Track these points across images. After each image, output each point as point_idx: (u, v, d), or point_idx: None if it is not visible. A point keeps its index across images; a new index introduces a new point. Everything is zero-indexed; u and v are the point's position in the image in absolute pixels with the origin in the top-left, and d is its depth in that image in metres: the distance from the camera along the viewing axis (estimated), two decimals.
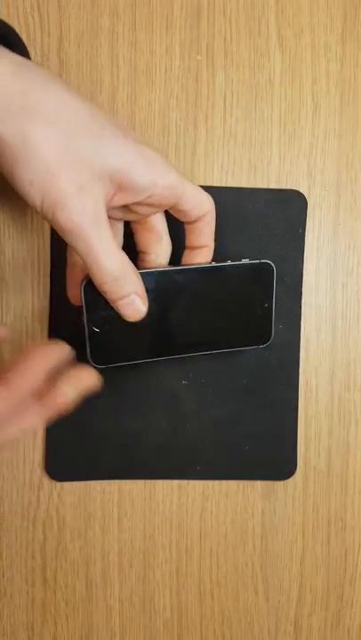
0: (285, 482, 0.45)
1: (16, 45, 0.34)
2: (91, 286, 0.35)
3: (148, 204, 0.35)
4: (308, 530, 0.46)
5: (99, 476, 0.44)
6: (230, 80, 0.44)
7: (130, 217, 0.37)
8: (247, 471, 0.45)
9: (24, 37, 0.42)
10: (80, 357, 0.37)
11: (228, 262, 0.39)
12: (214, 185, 0.44)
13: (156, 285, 0.38)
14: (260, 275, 0.39)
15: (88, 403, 0.44)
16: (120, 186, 0.33)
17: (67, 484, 0.44)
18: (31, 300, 0.44)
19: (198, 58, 0.44)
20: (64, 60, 0.43)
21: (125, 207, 0.36)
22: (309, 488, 0.45)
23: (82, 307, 0.37)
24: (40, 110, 0.30)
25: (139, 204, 0.35)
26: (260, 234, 0.44)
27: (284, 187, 0.44)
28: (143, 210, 0.36)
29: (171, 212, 0.37)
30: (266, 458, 0.45)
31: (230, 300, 0.39)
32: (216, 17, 0.43)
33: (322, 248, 0.45)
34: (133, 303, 0.36)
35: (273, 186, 0.44)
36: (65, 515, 0.44)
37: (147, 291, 0.37)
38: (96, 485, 0.44)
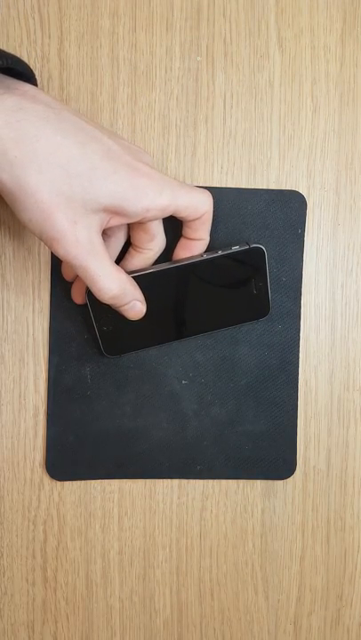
0: (285, 481, 0.45)
1: (24, 74, 0.36)
2: None
3: (146, 221, 0.37)
4: (307, 529, 0.46)
5: (99, 476, 0.44)
6: (230, 81, 0.44)
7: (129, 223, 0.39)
8: (247, 471, 0.45)
9: (24, 38, 0.43)
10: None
11: (220, 253, 0.41)
12: (214, 185, 0.44)
13: (156, 282, 0.40)
14: (252, 259, 0.41)
15: (88, 402, 0.44)
16: (114, 213, 0.36)
17: (67, 484, 0.44)
18: (31, 299, 0.44)
19: (198, 59, 0.44)
20: (64, 60, 0.43)
21: None
22: (309, 487, 0.46)
23: (88, 310, 0.40)
24: (33, 158, 0.32)
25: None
26: (259, 234, 0.44)
27: (283, 187, 0.44)
28: (140, 223, 0.38)
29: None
30: (266, 457, 0.45)
31: (227, 284, 0.42)
32: (216, 18, 0.44)
33: (321, 248, 0.45)
34: (134, 308, 0.39)
35: (273, 186, 0.44)
36: (65, 514, 0.44)
37: (147, 288, 0.39)
38: (96, 485, 0.45)
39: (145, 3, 0.43)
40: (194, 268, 0.40)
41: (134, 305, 0.39)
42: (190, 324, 0.42)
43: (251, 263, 0.41)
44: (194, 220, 0.39)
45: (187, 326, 0.42)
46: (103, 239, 0.36)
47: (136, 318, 0.39)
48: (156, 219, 0.37)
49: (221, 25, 0.44)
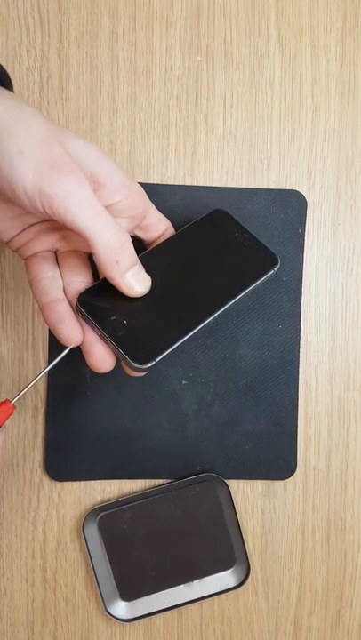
0: (285, 481, 0.45)
1: (3, 82, 0.35)
2: (87, 299, 0.34)
3: (124, 212, 0.35)
4: (307, 529, 0.46)
5: (99, 476, 0.44)
6: (230, 80, 0.44)
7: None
8: (247, 471, 0.45)
9: (24, 37, 0.43)
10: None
11: (189, 224, 0.38)
12: (214, 185, 0.44)
13: (147, 266, 0.35)
14: (220, 221, 0.39)
15: (88, 402, 0.44)
16: (98, 182, 0.33)
17: (67, 484, 0.44)
18: (31, 299, 0.44)
19: (198, 58, 0.44)
20: (64, 59, 0.43)
21: None
22: (309, 488, 0.46)
23: (90, 322, 0.34)
24: (29, 106, 0.31)
25: (115, 215, 0.35)
26: (259, 234, 0.43)
27: (283, 187, 0.44)
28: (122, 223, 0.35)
29: (137, 231, 0.37)
30: (266, 458, 0.45)
31: (215, 250, 0.38)
32: (216, 17, 0.43)
33: (322, 248, 0.45)
34: (141, 272, 0.34)
35: (273, 186, 0.44)
36: (65, 514, 0.44)
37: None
38: (96, 485, 0.44)
39: (145, 2, 0.43)
40: (177, 240, 0.38)
41: (138, 270, 0.34)
42: (205, 302, 0.36)
43: (221, 225, 0.39)
44: (161, 234, 0.38)
45: (203, 306, 0.36)
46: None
47: (144, 289, 0.34)
48: (133, 207, 0.35)
49: (221, 24, 0.44)
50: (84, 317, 0.35)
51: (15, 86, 0.43)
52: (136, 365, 0.34)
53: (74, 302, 0.35)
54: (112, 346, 0.34)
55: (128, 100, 0.43)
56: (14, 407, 0.34)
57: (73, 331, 0.34)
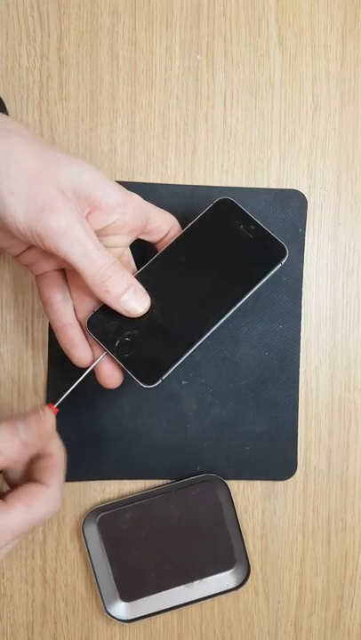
0: (286, 482, 0.45)
1: None
2: (95, 322, 0.36)
3: (122, 229, 0.36)
4: (308, 530, 0.46)
5: (98, 476, 0.44)
6: (230, 80, 0.44)
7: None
8: (247, 471, 0.45)
9: (24, 37, 0.42)
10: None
11: (193, 221, 0.38)
12: (214, 185, 0.44)
13: (152, 278, 0.37)
14: (227, 209, 0.38)
15: (88, 403, 0.44)
16: (93, 204, 0.34)
17: (67, 484, 0.44)
18: (31, 299, 0.43)
19: (198, 57, 0.43)
20: (64, 59, 0.43)
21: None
22: (310, 488, 0.45)
23: (99, 345, 0.37)
24: (18, 133, 0.32)
25: (115, 232, 0.36)
26: None
27: (284, 186, 0.44)
28: (121, 240, 0.37)
29: (142, 236, 0.38)
30: (266, 458, 0.45)
31: (219, 251, 0.38)
32: (216, 17, 0.43)
33: (322, 248, 0.45)
34: (137, 293, 0.36)
35: (273, 186, 0.44)
36: (65, 515, 0.44)
37: (152, 286, 0.37)
38: (96, 485, 0.44)
39: (145, 1, 0.43)
40: (182, 243, 0.38)
41: (135, 290, 0.35)
42: (212, 308, 0.37)
43: (227, 214, 0.38)
44: (166, 233, 0.39)
45: (209, 312, 0.37)
46: None
47: (142, 308, 0.36)
48: (133, 222, 0.36)
49: (222, 23, 0.43)
50: (93, 340, 0.37)
51: (15, 86, 0.43)
52: (145, 387, 0.36)
53: (84, 323, 0.37)
54: (121, 367, 0.37)
55: (128, 100, 0.43)
56: (57, 410, 0.36)
57: (83, 354, 0.37)
